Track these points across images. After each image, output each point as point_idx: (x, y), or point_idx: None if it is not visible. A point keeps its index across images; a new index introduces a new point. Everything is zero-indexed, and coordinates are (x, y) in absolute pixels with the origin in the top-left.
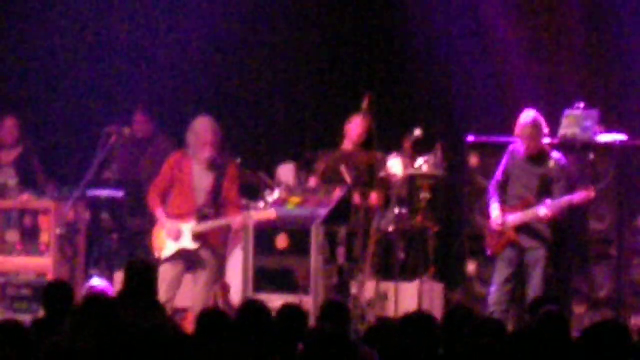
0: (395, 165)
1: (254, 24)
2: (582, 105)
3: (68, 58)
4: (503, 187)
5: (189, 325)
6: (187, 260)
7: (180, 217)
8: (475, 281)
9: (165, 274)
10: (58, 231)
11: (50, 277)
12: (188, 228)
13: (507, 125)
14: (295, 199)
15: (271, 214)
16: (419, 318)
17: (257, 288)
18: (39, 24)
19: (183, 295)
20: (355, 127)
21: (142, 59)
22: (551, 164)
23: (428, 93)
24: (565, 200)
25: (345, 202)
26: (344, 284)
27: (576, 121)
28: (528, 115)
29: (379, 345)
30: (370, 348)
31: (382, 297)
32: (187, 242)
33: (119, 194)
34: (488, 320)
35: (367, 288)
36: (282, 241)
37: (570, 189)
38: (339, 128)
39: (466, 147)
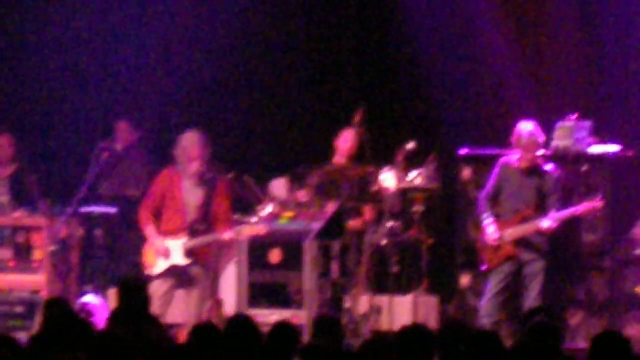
0: (388, 179)
1: (247, 37)
2: (574, 116)
3: (61, 75)
4: (494, 200)
5: (182, 341)
6: (178, 276)
7: (171, 233)
8: (468, 293)
9: (156, 291)
10: (51, 248)
11: (43, 293)
12: (179, 244)
13: (499, 138)
14: (288, 214)
15: (261, 229)
16: (415, 330)
17: (251, 302)
18: (33, 42)
19: (175, 311)
20: (344, 141)
21: (135, 77)
22: (545, 175)
23: (420, 106)
24: (569, 211)
25: (338, 216)
26: (337, 298)
27: (569, 132)
28: (527, 125)
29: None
30: None
31: (376, 310)
32: (178, 258)
33: (112, 210)
34: (483, 334)
35: (360, 302)
36: (275, 256)
37: (564, 200)
38: (331, 142)
39: (459, 160)
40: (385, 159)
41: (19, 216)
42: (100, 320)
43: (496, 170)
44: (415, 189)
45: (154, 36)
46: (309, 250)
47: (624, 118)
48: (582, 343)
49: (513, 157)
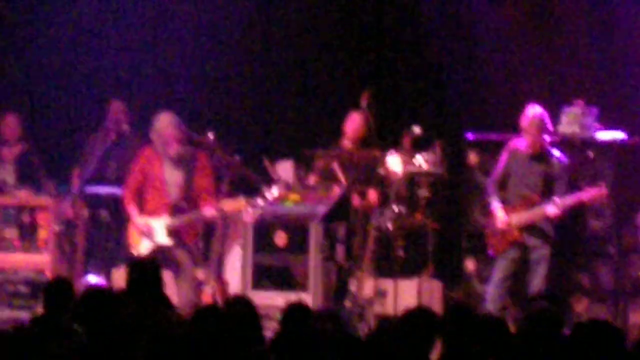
0: (394, 163)
1: (251, 21)
2: (581, 102)
3: (68, 56)
4: (502, 185)
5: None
6: (162, 257)
7: (154, 212)
8: (474, 279)
9: None
10: (56, 228)
11: (48, 274)
12: (161, 224)
13: (506, 123)
14: (294, 197)
15: (241, 204)
16: (419, 313)
17: (256, 285)
18: (39, 23)
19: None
20: (351, 124)
21: (141, 57)
22: (553, 161)
23: (427, 90)
24: (575, 197)
25: (344, 199)
26: (342, 282)
27: (575, 119)
28: (534, 109)
29: (381, 342)
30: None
31: (381, 294)
32: (162, 238)
33: (118, 190)
34: (488, 318)
35: (366, 286)
36: (280, 238)
37: (571, 187)
38: (337, 125)
39: (465, 145)
40: (391, 143)
41: (25, 196)
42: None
43: (504, 155)
44: (422, 173)
45: (160, 21)
46: (315, 234)
47: (631, 105)
48: None
49: (521, 142)
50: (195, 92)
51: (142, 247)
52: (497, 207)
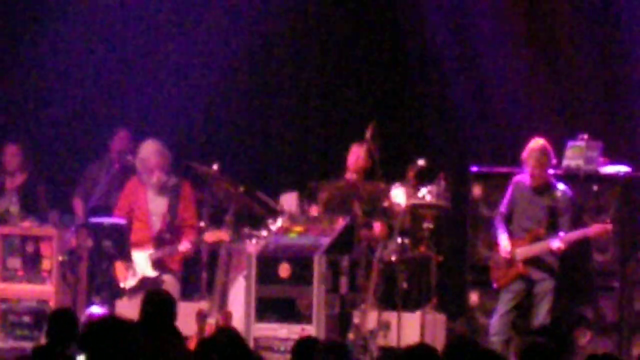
0: (398, 195)
1: (257, 50)
2: (585, 136)
3: (68, 82)
4: (508, 219)
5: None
6: (149, 287)
7: (139, 244)
8: (477, 312)
9: (130, 304)
10: (60, 258)
11: (51, 304)
12: (145, 256)
13: (510, 156)
14: (298, 228)
15: (224, 235)
16: (422, 350)
17: (260, 317)
18: (39, 51)
19: None
20: (352, 156)
21: (147, 87)
22: (558, 195)
23: (432, 123)
24: (580, 232)
25: (348, 231)
26: (346, 314)
27: (580, 152)
28: (536, 142)
29: None
30: None
31: (384, 327)
32: (147, 270)
33: (122, 221)
34: (489, 352)
35: (369, 318)
36: (284, 270)
37: (576, 221)
38: (342, 157)
39: (470, 178)
40: (396, 175)
41: (29, 226)
42: None
43: (510, 188)
44: (426, 206)
45: (166, 51)
46: (318, 265)
47: (636, 138)
48: None
49: (525, 176)
50: (200, 123)
51: (130, 280)
52: (503, 237)
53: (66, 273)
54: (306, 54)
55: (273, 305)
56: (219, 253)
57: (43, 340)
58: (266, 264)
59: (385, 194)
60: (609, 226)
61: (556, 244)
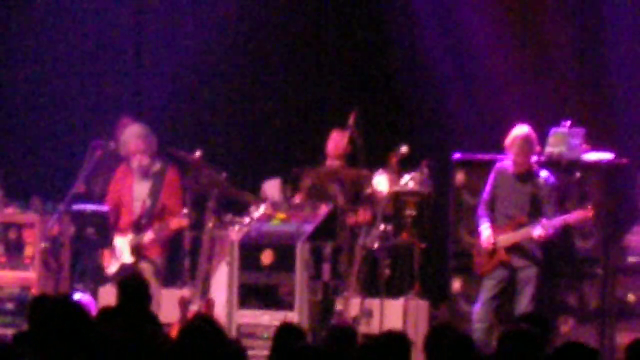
0: (381, 182)
1: (241, 39)
2: (568, 123)
3: (54, 71)
4: (491, 206)
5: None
6: (128, 273)
7: (122, 230)
8: (460, 298)
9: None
10: (42, 245)
11: (34, 291)
12: (125, 241)
13: (493, 143)
14: (281, 215)
15: (183, 221)
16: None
17: (242, 303)
18: (27, 35)
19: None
20: (330, 142)
21: (131, 74)
22: (540, 182)
23: (414, 109)
24: (560, 219)
25: (331, 218)
26: (328, 301)
27: (562, 139)
28: (521, 128)
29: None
30: None
31: (367, 313)
32: (126, 257)
33: (104, 208)
34: (468, 339)
35: (352, 305)
36: (267, 257)
37: (560, 208)
38: (325, 144)
39: (452, 164)
40: (378, 162)
41: (11, 213)
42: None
43: (492, 175)
44: (409, 192)
45: (152, 38)
46: (301, 252)
47: (618, 125)
48: None
49: (508, 163)
50: (183, 110)
51: (112, 267)
52: (484, 227)
53: (49, 260)
54: (289, 41)
55: (256, 292)
56: (201, 240)
57: (25, 327)
58: (249, 251)
59: (368, 180)
60: (590, 213)
61: (537, 231)
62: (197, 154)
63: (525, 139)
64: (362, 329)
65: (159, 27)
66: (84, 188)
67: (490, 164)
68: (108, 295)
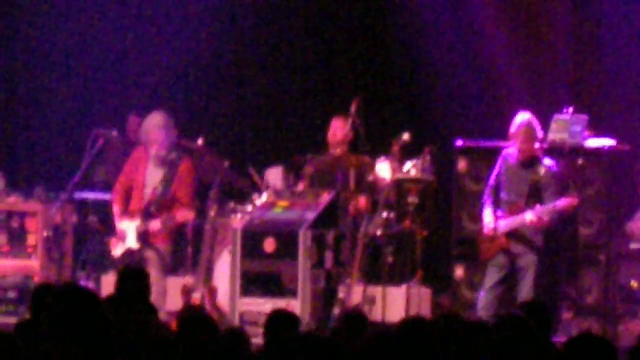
0: (383, 169)
1: (244, 27)
2: (570, 109)
3: (58, 60)
4: (495, 192)
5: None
6: (131, 260)
7: (131, 214)
8: (462, 285)
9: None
10: (45, 233)
11: (37, 279)
12: (133, 226)
13: (495, 130)
14: (283, 203)
15: (189, 214)
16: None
17: (245, 291)
18: (31, 24)
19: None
20: (330, 130)
21: (132, 61)
22: (542, 170)
23: (417, 97)
24: (550, 206)
25: (333, 206)
26: (331, 288)
27: (565, 126)
28: (524, 116)
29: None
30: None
31: (369, 301)
32: (132, 242)
33: (106, 196)
34: (476, 324)
35: (354, 292)
36: (269, 245)
37: (562, 195)
38: (327, 132)
39: (455, 151)
40: (381, 149)
41: (14, 201)
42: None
43: (499, 161)
44: (411, 180)
45: (156, 27)
46: (304, 240)
47: (621, 112)
48: None
49: (513, 150)
50: (185, 97)
51: (117, 250)
52: (486, 213)
53: (51, 248)
54: (291, 28)
55: (258, 280)
56: (203, 228)
57: (28, 316)
58: (251, 238)
59: (371, 168)
60: (575, 200)
61: (529, 216)
62: (199, 141)
63: (530, 126)
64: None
65: (161, 14)
66: (86, 177)
67: (492, 151)
68: (110, 284)
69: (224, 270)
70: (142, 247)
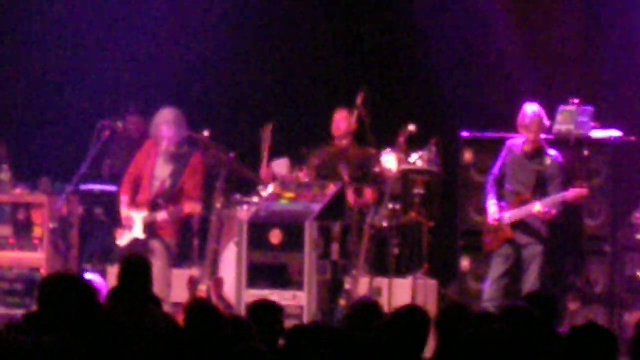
0: (389, 161)
1: (248, 19)
2: (576, 101)
3: (63, 52)
4: (500, 183)
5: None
6: (137, 250)
7: (139, 205)
8: (468, 277)
9: None
10: (51, 225)
11: (43, 271)
12: (140, 217)
13: (501, 121)
14: (289, 194)
15: (196, 206)
16: (411, 311)
17: (251, 283)
18: (35, 19)
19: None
20: (333, 123)
21: (135, 55)
22: (548, 161)
23: (422, 88)
24: (559, 197)
25: (340, 197)
26: (337, 280)
27: (571, 117)
28: (532, 107)
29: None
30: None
31: (375, 293)
32: (138, 232)
33: (113, 188)
34: (483, 316)
35: (360, 284)
36: (275, 236)
37: (567, 186)
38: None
39: (460, 143)
40: (387, 141)
41: (20, 193)
42: (101, 298)
43: (503, 152)
44: (417, 171)
45: (159, 22)
46: (310, 232)
47: (626, 103)
48: None
49: (519, 140)
50: (191, 90)
51: (123, 239)
52: (491, 203)
53: (57, 240)
54: (297, 20)
55: (264, 272)
56: (210, 220)
57: (34, 308)
58: (257, 230)
59: (376, 159)
60: (585, 190)
61: (537, 207)
62: (205, 133)
63: (540, 117)
64: None
65: (165, 6)
66: (92, 169)
67: (498, 142)
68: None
69: (230, 262)
70: (149, 238)
